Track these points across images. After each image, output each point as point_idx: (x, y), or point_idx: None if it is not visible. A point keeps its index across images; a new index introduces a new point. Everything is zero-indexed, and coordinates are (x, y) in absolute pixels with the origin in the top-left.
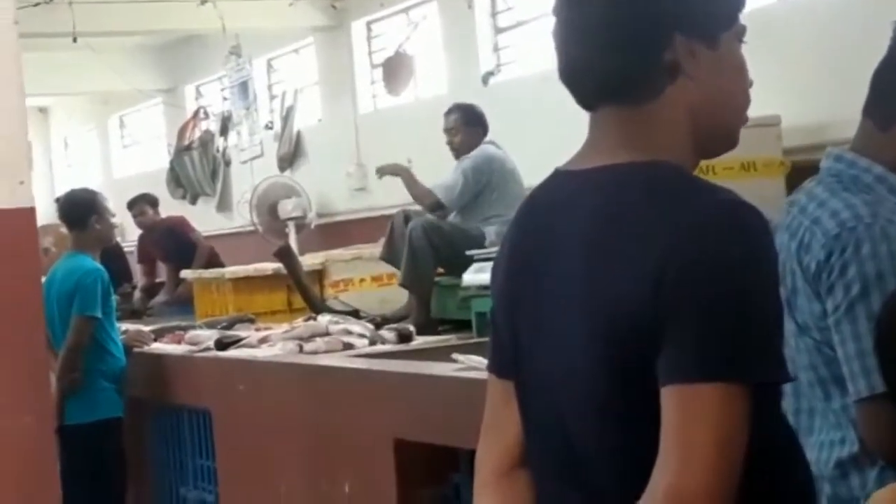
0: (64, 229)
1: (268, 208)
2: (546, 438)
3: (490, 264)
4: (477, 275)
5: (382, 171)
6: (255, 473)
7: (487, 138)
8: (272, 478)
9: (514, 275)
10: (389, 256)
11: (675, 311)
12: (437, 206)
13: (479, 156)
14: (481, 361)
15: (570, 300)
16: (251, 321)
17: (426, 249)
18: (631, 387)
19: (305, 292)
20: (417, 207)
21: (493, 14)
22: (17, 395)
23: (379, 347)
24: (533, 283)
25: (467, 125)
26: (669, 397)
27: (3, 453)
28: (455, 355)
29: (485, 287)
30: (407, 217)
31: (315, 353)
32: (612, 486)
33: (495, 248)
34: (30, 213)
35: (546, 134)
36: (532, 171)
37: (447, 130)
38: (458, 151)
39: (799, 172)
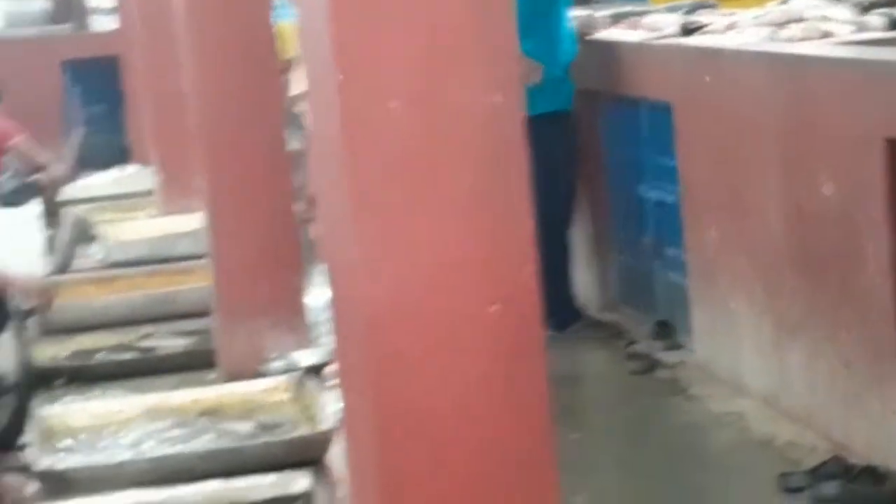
0: None
1: None
2: None
3: None
4: None
5: None
6: (721, 174)
7: None
8: (740, 178)
9: None
10: None
11: None
12: None
13: None
14: None
15: None
16: (714, 6)
17: None
18: None
19: None
20: None
21: None
22: (486, 71)
23: (865, 34)
24: None
25: None
26: None
27: (472, 133)
28: None
29: None
30: None
31: (790, 40)
32: None
33: None
34: None
35: None
36: None
37: None
38: None
39: None
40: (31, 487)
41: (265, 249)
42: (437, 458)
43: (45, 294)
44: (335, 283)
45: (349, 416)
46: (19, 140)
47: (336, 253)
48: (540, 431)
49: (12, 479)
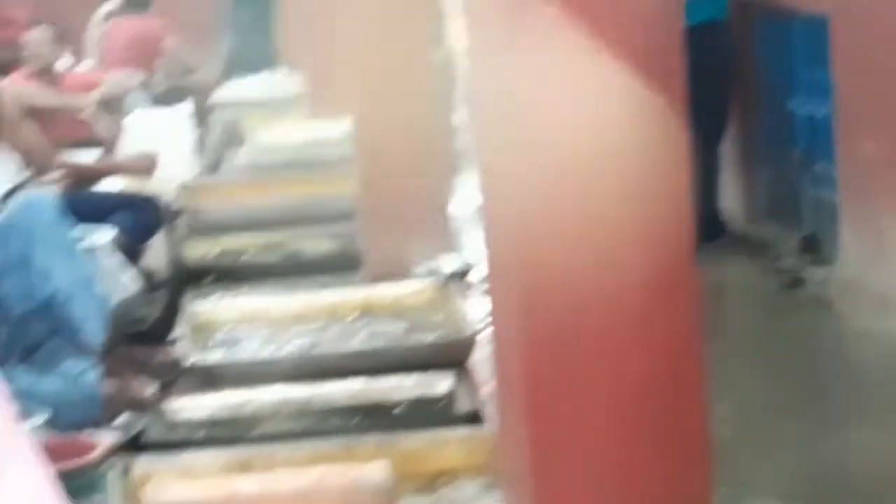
0: None
1: None
2: None
3: None
4: None
5: None
6: (878, 89)
7: None
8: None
9: None
10: None
11: None
12: None
13: None
14: None
15: None
16: None
17: None
18: None
19: None
20: None
21: None
22: None
23: None
24: None
25: None
26: None
27: (630, 35)
28: None
29: None
30: None
31: None
32: None
33: None
34: None
35: None
36: None
37: None
38: None
39: None
40: (152, 389)
41: (413, 155)
42: (584, 365)
43: (149, 165)
44: (486, 192)
45: (497, 323)
46: (172, 42)
47: (489, 160)
48: (689, 338)
49: (136, 382)
